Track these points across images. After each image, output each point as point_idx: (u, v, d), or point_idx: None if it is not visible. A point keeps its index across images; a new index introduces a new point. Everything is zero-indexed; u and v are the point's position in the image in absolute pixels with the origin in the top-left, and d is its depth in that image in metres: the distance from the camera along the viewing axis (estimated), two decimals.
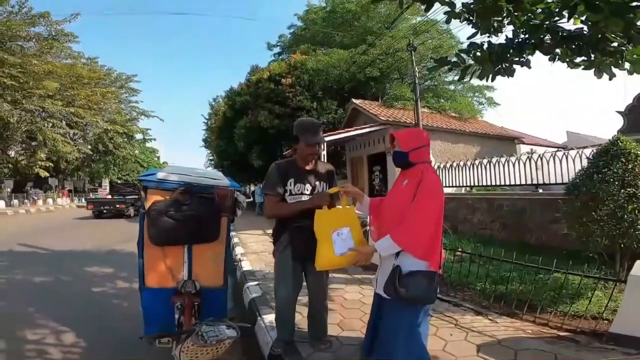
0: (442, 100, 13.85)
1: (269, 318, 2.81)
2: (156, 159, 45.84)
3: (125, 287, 4.36)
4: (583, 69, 2.33)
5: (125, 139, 29.11)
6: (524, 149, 11.69)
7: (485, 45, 2.31)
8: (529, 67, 2.38)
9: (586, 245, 3.44)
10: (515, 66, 2.41)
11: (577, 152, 5.45)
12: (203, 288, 2.21)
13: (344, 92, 13.64)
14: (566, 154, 5.68)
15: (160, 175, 2.21)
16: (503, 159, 7.02)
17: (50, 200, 23.45)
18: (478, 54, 2.33)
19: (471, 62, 2.41)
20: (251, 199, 18.90)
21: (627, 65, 2.10)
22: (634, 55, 2.02)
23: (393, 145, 1.94)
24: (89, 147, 26.68)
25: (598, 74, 2.34)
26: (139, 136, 33.11)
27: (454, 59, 2.39)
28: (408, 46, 9.70)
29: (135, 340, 2.18)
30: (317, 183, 2.23)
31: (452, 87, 15.09)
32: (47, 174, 22.64)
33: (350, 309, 3.17)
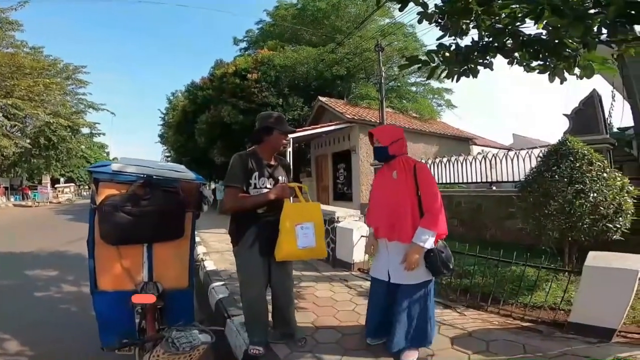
0: (404, 101, 14.30)
1: (239, 319, 2.68)
2: (105, 154, 42.95)
3: (73, 290, 4.00)
4: (538, 72, 2.47)
5: (70, 133, 26.74)
6: (476, 149, 12.43)
7: (453, 47, 2.42)
8: (492, 69, 2.52)
9: (539, 239, 3.67)
10: (478, 67, 2.52)
11: (527, 152, 5.86)
12: (166, 290, 2.05)
13: (310, 90, 13.58)
14: (517, 153, 6.09)
15: (115, 166, 1.99)
16: (461, 158, 7.38)
17: None
18: (447, 54, 2.43)
19: (439, 62, 2.50)
20: (212, 196, 18.23)
21: (576, 70, 2.25)
22: (587, 61, 2.15)
23: (373, 142, 2.17)
24: (28, 141, 24.15)
25: (551, 78, 2.50)
26: (85, 130, 30.57)
27: (424, 58, 2.46)
28: (376, 46, 9.89)
29: (90, 349, 1.96)
30: (280, 177, 2.20)
31: (414, 88, 15.65)
32: None
33: (323, 306, 3.12)
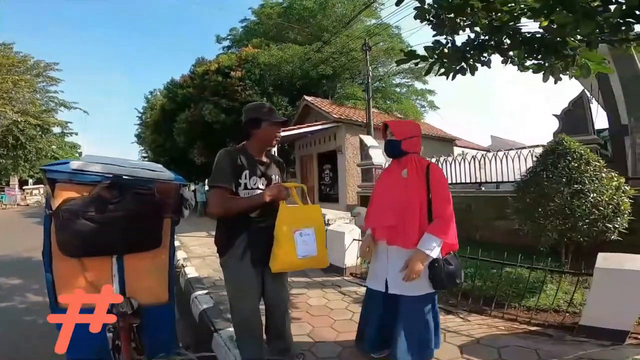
0: (388, 101, 14.30)
1: (228, 333, 2.43)
2: (77, 155, 40.98)
3: (38, 300, 3.60)
4: (533, 72, 2.45)
5: (40, 132, 25.37)
6: (456, 151, 12.56)
7: (449, 44, 2.42)
8: (489, 67, 2.50)
9: (535, 240, 3.59)
10: (477, 65, 2.49)
11: (516, 152, 5.84)
12: (143, 306, 1.76)
13: (295, 89, 13.35)
14: (506, 154, 6.07)
15: (76, 164, 1.68)
16: (450, 158, 7.33)
17: None
18: (445, 50, 2.42)
19: (435, 58, 2.48)
20: (193, 199, 17.71)
21: (571, 70, 2.26)
22: (584, 60, 2.10)
23: (385, 134, 1.99)
24: None
25: (545, 77, 2.47)
26: (57, 130, 29.09)
27: (423, 54, 2.45)
28: (363, 46, 9.77)
29: None
30: (274, 177, 1.93)
31: (397, 89, 15.70)
32: None
33: (318, 316, 2.89)
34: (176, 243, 6.68)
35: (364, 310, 2.14)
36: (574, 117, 4.75)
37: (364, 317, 2.13)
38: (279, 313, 1.98)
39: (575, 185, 3.31)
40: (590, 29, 1.75)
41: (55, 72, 25.96)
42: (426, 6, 2.46)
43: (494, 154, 6.43)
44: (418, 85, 16.17)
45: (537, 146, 6.28)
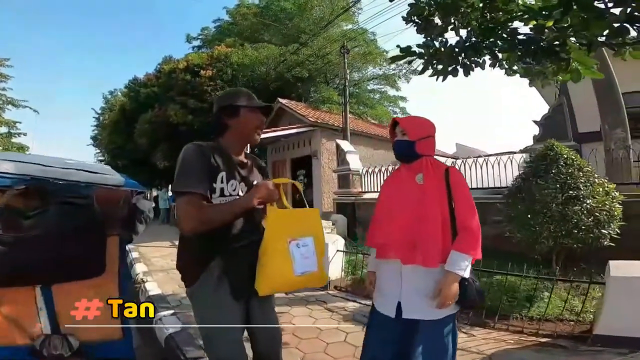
0: (361, 107, 14.28)
1: None
2: None
3: None
4: (520, 76, 2.50)
5: None
6: None
7: (445, 44, 2.45)
8: (483, 68, 2.52)
9: (530, 247, 3.46)
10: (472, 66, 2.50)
11: (497, 158, 5.83)
12: (86, 344, 1.31)
13: (268, 92, 12.91)
14: (486, 160, 6.05)
15: None
16: None
17: None
18: (442, 49, 2.44)
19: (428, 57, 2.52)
20: (153, 205, 16.58)
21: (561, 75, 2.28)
22: (577, 64, 2.09)
23: (394, 134, 1.68)
24: None
25: (534, 82, 2.56)
26: (3, 129, 26.38)
27: (420, 51, 2.47)
28: (341, 49, 9.57)
29: None
30: (255, 181, 1.50)
31: (371, 95, 15.77)
32: None
33: (308, 339, 2.51)
34: (134, 254, 6.02)
35: (369, 339, 1.77)
36: (553, 123, 4.77)
37: (368, 348, 1.77)
38: (270, 345, 1.56)
39: (570, 192, 3.22)
40: (602, 29, 1.75)
41: (5, 68, 23.68)
42: (421, 3, 2.50)
43: (474, 160, 6.41)
44: (391, 91, 16.38)
45: (510, 153, 6.37)
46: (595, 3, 1.84)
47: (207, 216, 1.26)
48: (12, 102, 24.81)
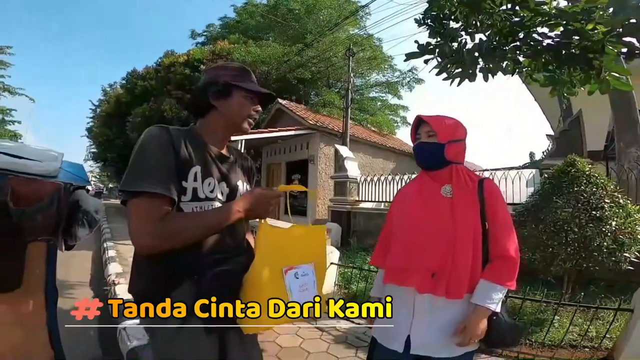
0: (362, 113, 14.05)
1: None
2: None
3: None
4: (541, 85, 2.35)
5: None
6: None
7: (465, 46, 2.37)
8: (505, 74, 2.39)
9: (546, 269, 3.16)
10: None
11: (504, 173, 5.53)
12: None
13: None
14: (493, 174, 5.75)
15: None
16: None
17: None
18: (464, 51, 2.35)
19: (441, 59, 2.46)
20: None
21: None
22: (608, 73, 1.97)
23: (416, 135, 1.37)
24: None
25: (553, 92, 2.36)
26: None
27: (437, 49, 2.41)
28: (347, 52, 9.33)
29: None
30: (240, 183, 1.13)
31: (372, 102, 15.57)
32: None
33: None
34: (111, 253, 5.57)
35: None
36: (569, 137, 4.49)
37: None
38: None
39: (594, 212, 2.92)
40: None
41: (6, 55, 23.35)
42: (442, 1, 2.39)
43: (480, 174, 6.11)
44: (393, 100, 16.22)
45: (511, 168, 6.09)
46: None
47: (170, 229, 0.88)
48: (9, 90, 24.47)
